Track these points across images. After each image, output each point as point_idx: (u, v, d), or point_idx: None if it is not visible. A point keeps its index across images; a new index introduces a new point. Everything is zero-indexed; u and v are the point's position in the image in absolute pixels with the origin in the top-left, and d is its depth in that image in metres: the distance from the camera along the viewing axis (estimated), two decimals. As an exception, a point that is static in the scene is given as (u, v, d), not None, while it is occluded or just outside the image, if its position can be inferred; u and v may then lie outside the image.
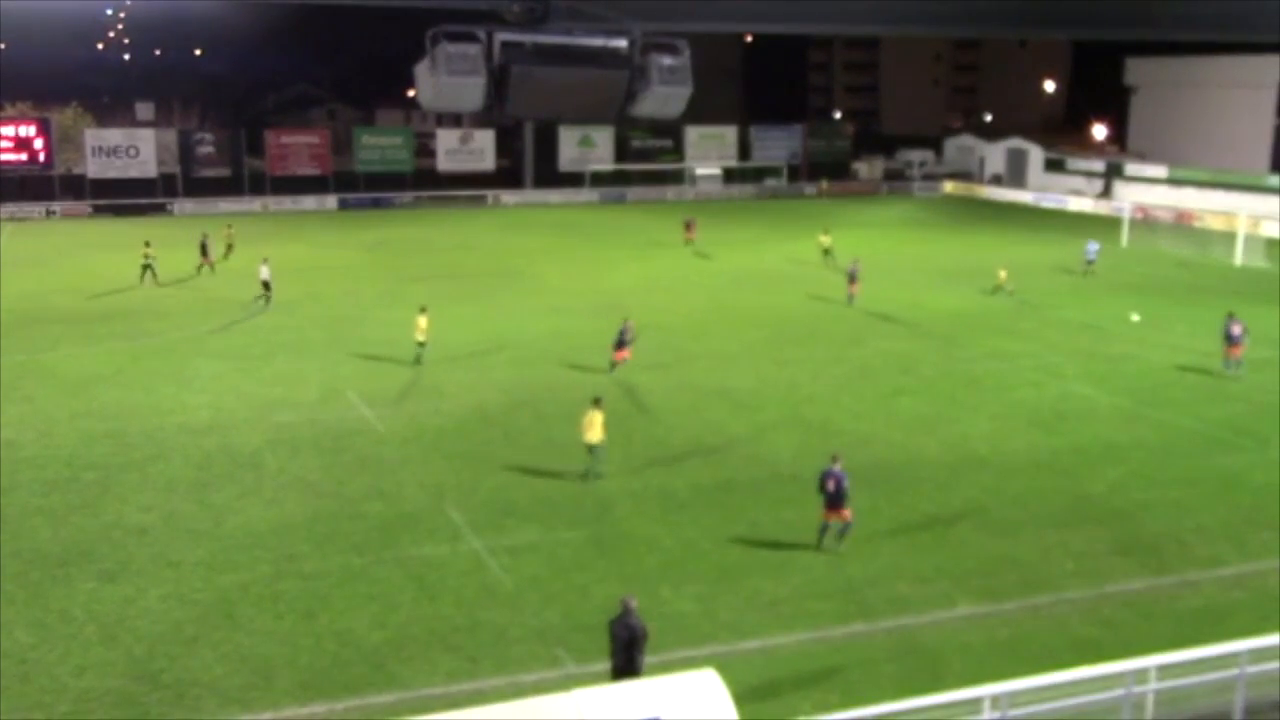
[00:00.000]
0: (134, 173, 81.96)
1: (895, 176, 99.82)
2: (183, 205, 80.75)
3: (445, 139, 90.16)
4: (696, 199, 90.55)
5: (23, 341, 38.97)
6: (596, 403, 26.11)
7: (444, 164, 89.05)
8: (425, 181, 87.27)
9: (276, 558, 21.81)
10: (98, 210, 78.53)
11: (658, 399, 32.29)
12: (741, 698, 13.32)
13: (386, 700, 16.94)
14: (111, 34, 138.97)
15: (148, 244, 50.93)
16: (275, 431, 29.45)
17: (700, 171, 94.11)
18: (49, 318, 43.17)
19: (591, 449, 25.78)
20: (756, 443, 28.69)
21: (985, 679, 15.26)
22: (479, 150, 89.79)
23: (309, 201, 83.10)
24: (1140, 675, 14.40)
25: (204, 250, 53.11)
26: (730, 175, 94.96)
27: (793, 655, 18.29)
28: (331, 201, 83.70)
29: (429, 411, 31.28)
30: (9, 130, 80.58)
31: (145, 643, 18.53)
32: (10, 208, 76.43)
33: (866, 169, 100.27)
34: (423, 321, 35.86)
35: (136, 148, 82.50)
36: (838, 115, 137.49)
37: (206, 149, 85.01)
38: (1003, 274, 49.02)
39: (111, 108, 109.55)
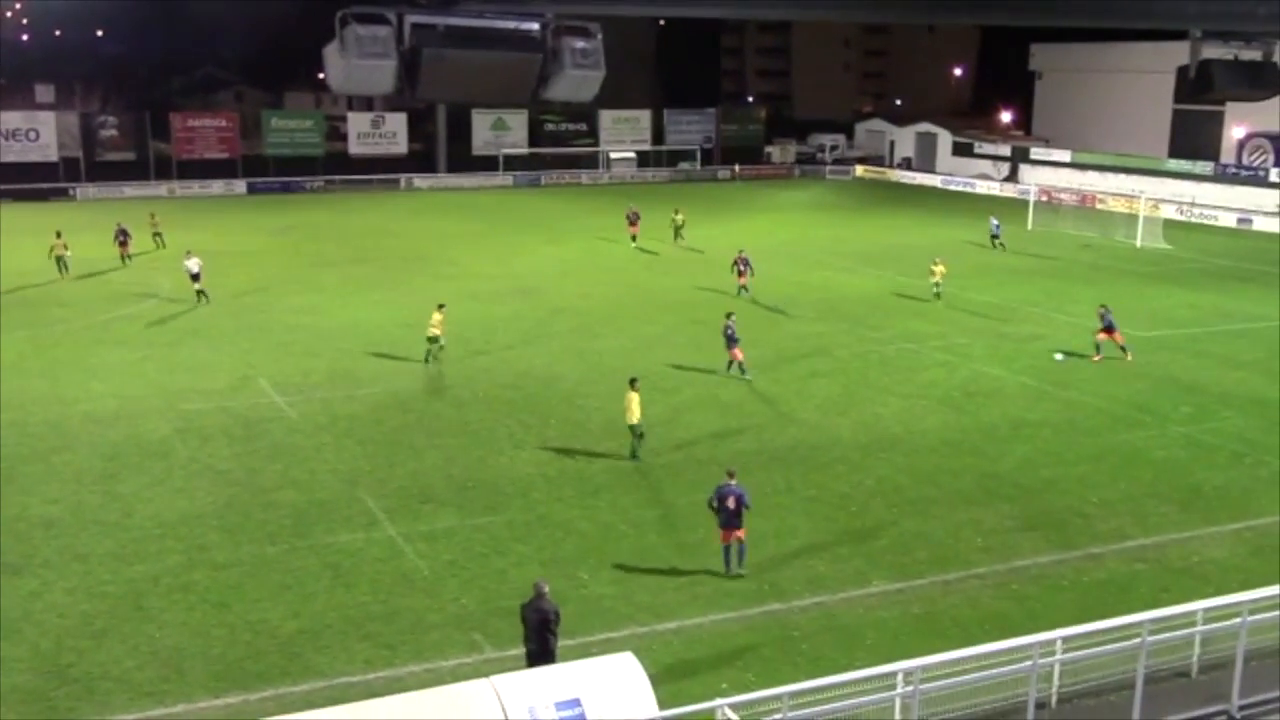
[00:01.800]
0: (34, 156, 79.64)
1: (807, 160, 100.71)
2: (85, 190, 78.70)
3: (356, 122, 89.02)
4: (611, 182, 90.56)
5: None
6: (633, 384, 26.25)
7: (355, 148, 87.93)
8: (336, 165, 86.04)
9: (187, 548, 21.46)
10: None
11: (573, 383, 32.29)
12: (659, 679, 13.44)
13: (302, 690, 16.77)
14: (9, 14, 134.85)
15: (59, 235, 48.45)
16: (184, 420, 28.92)
17: (614, 155, 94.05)
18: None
19: (632, 429, 26.03)
20: (672, 425, 28.83)
21: (899, 654, 15.57)
22: (391, 134, 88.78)
23: (217, 186, 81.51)
24: (1047, 647, 14.78)
25: (121, 240, 50.73)
26: (644, 159, 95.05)
27: (710, 635, 18.47)
28: (240, 186, 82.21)
29: (343, 398, 30.95)
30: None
31: (52, 637, 18.13)
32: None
33: (779, 153, 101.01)
34: (438, 318, 33.95)
35: (36, 131, 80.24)
36: (750, 99, 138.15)
37: (110, 132, 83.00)
38: (939, 269, 44.60)
39: (10, 90, 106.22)
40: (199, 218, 67.62)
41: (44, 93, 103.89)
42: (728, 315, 33.92)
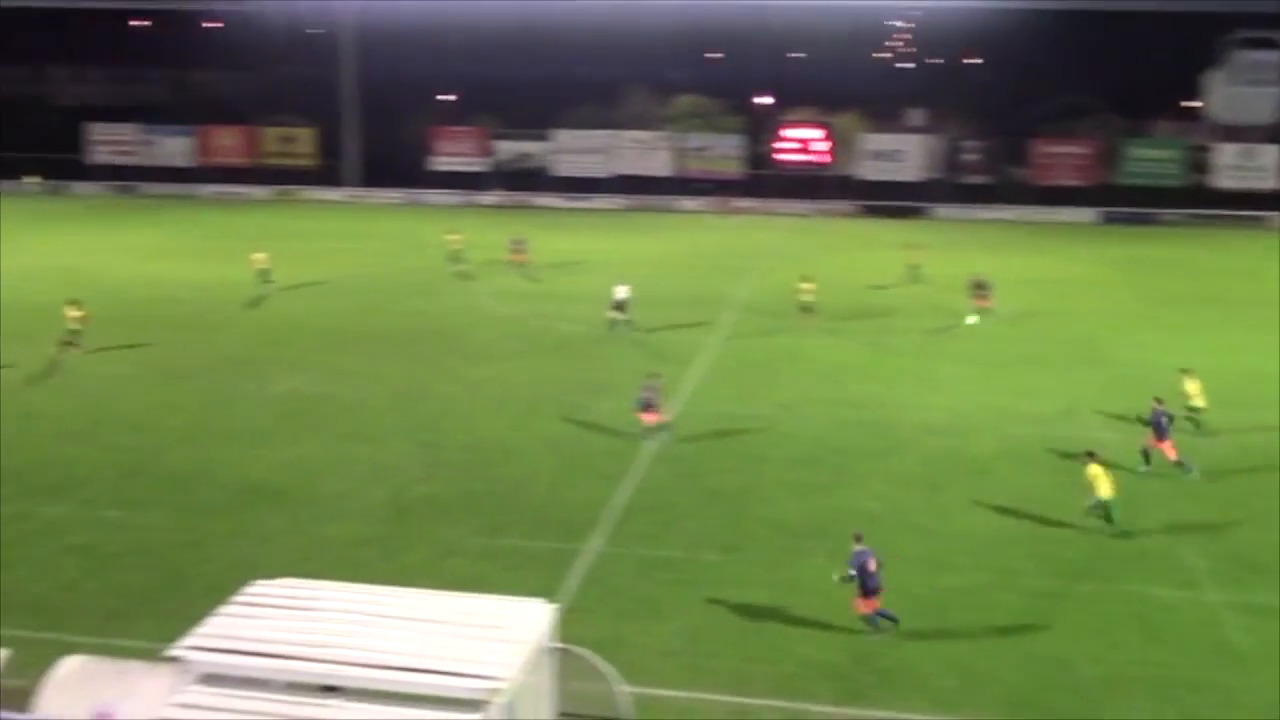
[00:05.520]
0: (900, 176, 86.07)
1: None
2: (941, 211, 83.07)
3: (1224, 153, 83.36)
4: None
5: (777, 325, 42.32)
6: (1091, 456, 23.65)
7: (1221, 180, 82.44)
8: (1197, 198, 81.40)
9: (994, 568, 21.73)
10: (865, 211, 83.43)
11: None
12: None
13: (1093, 739, 16.18)
14: (897, 42, 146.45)
15: (910, 253, 49.44)
16: (1007, 442, 29.33)
17: None
18: (787, 310, 44.06)
19: (1097, 506, 23.33)
20: None
21: None
22: (1262, 167, 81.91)
23: (1064, 213, 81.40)
24: None
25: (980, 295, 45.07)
26: None
27: None
28: (1088, 214, 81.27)
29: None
30: (795, 133, 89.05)
31: (862, 627, 19.32)
32: (786, 205, 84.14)
33: None
34: (1188, 384, 29.69)
35: (905, 152, 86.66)
36: None
37: (970, 156, 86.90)
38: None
39: (882, 113, 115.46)
40: (1040, 243, 68.18)
41: (915, 116, 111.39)
42: None
